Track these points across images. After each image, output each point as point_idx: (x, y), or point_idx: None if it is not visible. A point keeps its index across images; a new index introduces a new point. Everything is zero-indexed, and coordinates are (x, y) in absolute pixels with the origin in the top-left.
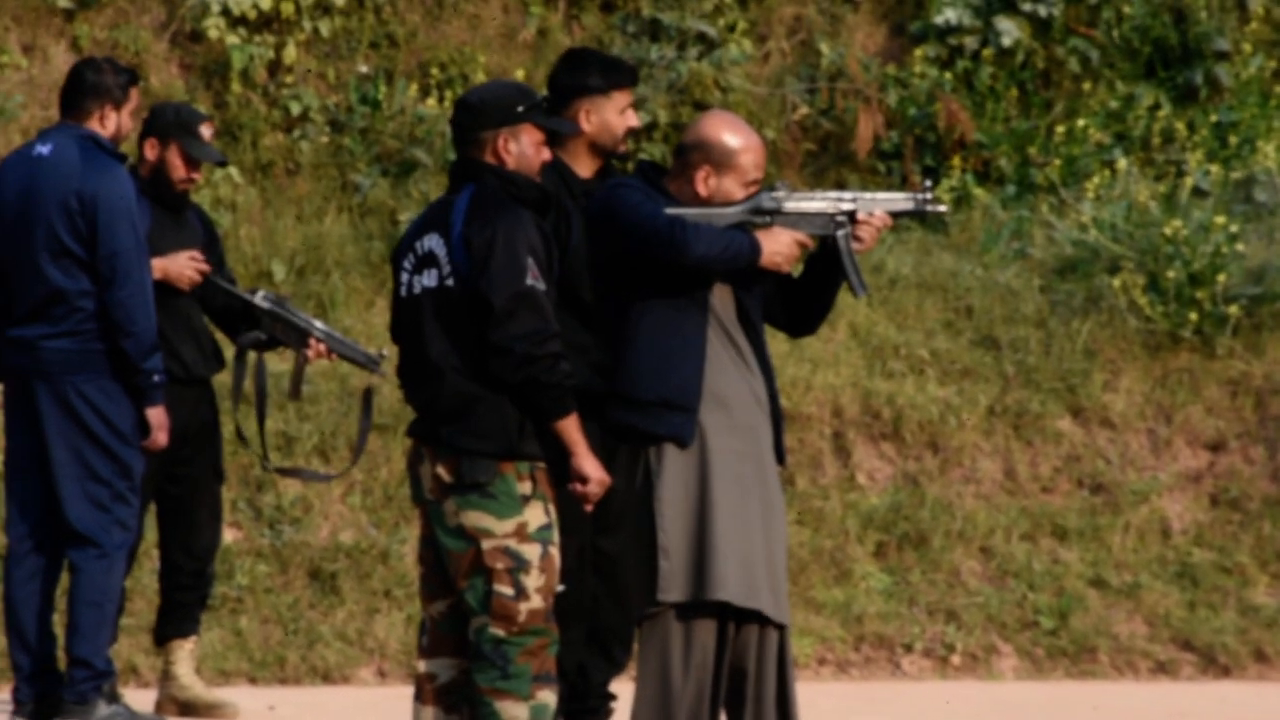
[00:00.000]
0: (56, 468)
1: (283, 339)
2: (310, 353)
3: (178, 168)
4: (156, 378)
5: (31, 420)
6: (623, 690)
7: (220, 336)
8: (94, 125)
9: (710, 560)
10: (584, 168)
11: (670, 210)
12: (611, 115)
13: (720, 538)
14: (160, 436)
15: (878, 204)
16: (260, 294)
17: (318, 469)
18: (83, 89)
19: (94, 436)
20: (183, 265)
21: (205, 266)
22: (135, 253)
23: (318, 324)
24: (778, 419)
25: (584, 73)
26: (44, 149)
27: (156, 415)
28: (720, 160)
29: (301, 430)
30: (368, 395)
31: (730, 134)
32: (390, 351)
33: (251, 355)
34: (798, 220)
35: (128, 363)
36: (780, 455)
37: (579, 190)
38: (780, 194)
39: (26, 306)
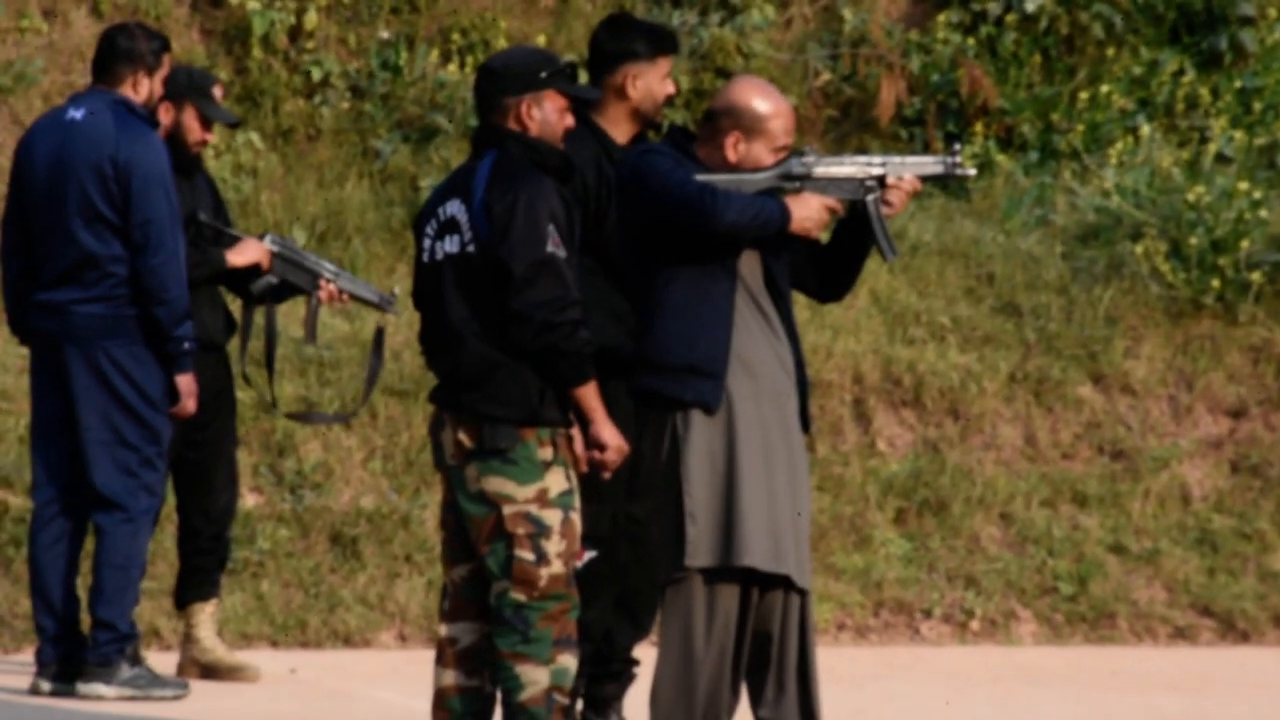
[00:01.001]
0: (85, 432)
1: (294, 281)
2: (322, 294)
3: (194, 130)
4: (187, 345)
5: (60, 384)
6: (644, 656)
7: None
8: (126, 91)
9: (737, 526)
10: (621, 134)
11: (700, 177)
12: (655, 81)
13: (746, 504)
14: (190, 403)
15: (907, 168)
16: (269, 238)
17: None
18: (116, 54)
19: (123, 402)
20: (256, 253)
21: (266, 253)
22: (169, 220)
23: (327, 264)
24: (803, 386)
25: (629, 39)
26: (76, 114)
27: (186, 382)
28: (750, 126)
29: (322, 395)
30: (379, 334)
31: (760, 99)
32: (402, 291)
33: (258, 310)
34: (827, 185)
35: (159, 330)
36: (805, 422)
37: (619, 156)
38: (809, 159)
39: (57, 270)
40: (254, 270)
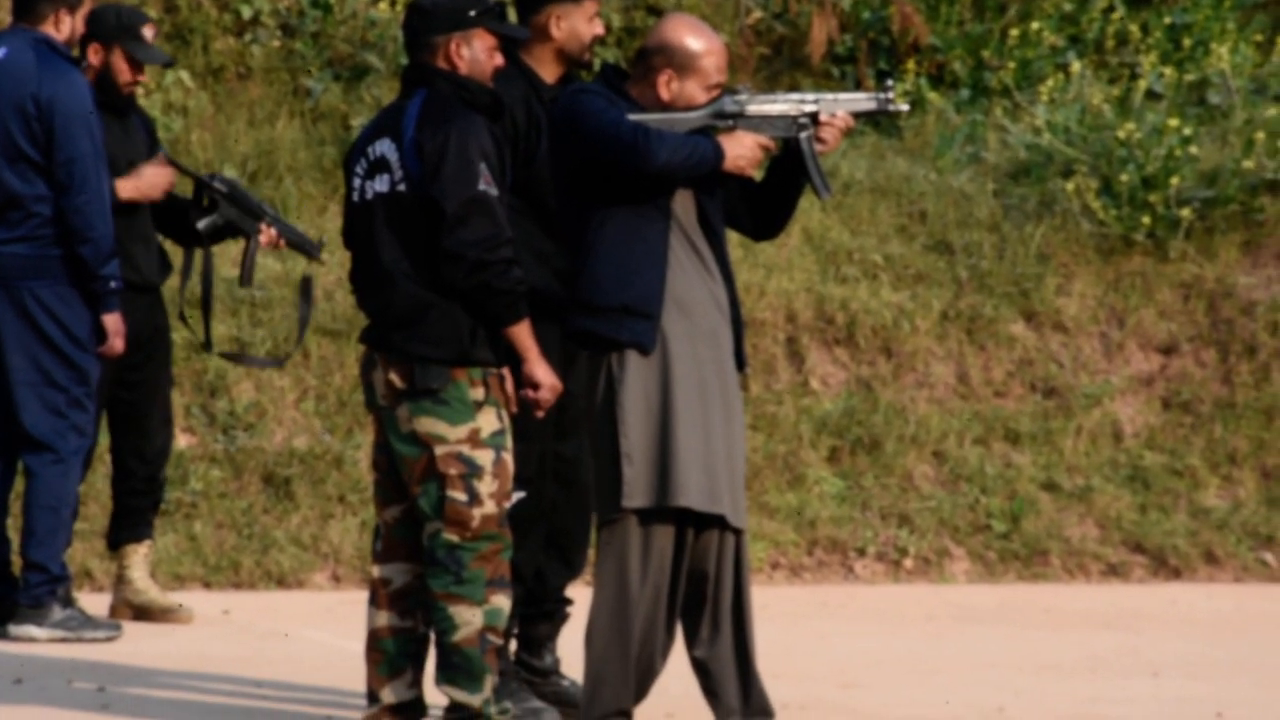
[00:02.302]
0: (12, 373)
1: (237, 223)
2: (263, 238)
3: (123, 71)
4: (114, 284)
5: None
6: (578, 595)
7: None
8: (48, 29)
9: (672, 466)
10: (548, 74)
11: (633, 116)
12: (581, 23)
13: (682, 444)
14: (117, 343)
15: (840, 104)
16: (216, 179)
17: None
18: None
19: (50, 342)
20: (153, 180)
21: (171, 178)
22: (92, 158)
23: (267, 207)
24: (738, 324)
25: None
26: None
27: (113, 321)
28: (682, 64)
29: (255, 335)
30: (306, 282)
31: (692, 37)
32: (331, 233)
33: (197, 250)
34: (760, 123)
35: (85, 269)
36: (741, 361)
37: (547, 95)
38: (743, 97)
39: None
40: (199, 209)
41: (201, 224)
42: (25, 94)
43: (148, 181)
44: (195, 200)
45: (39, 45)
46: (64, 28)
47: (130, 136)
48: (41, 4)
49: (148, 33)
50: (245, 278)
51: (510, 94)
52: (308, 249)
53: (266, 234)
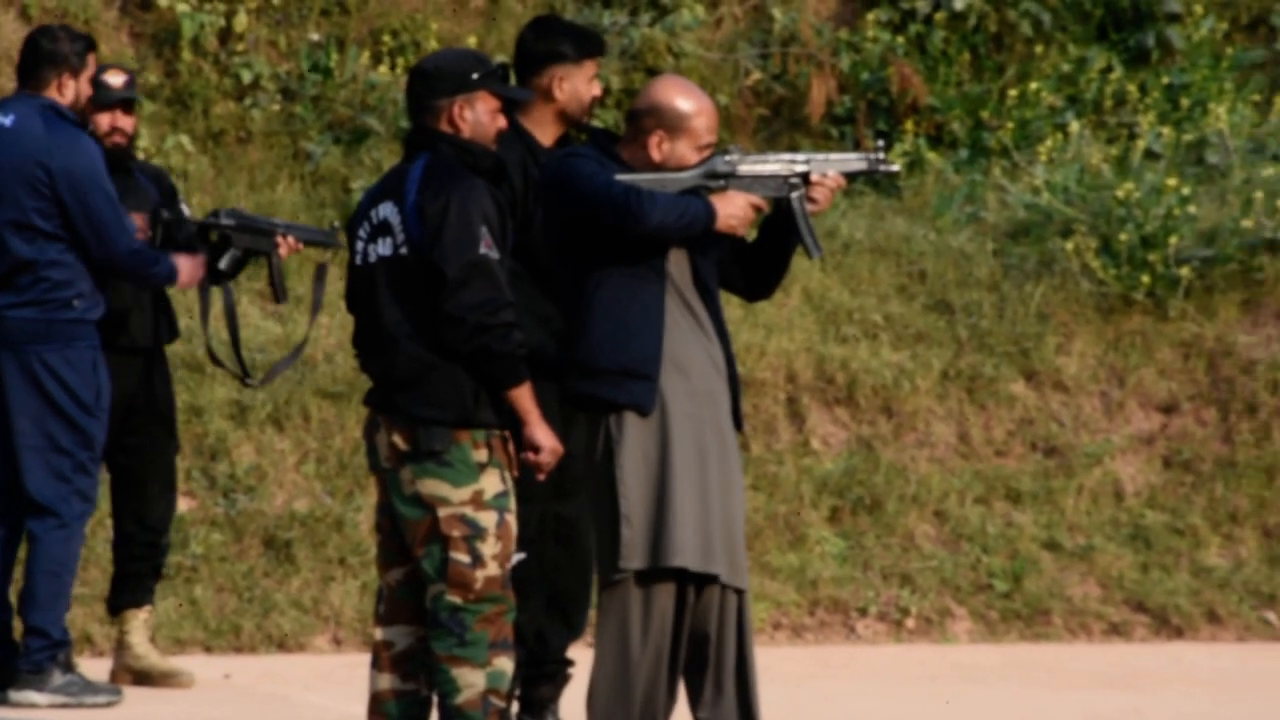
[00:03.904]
0: (18, 438)
1: (254, 248)
2: (282, 250)
3: (97, 123)
4: (167, 274)
5: None
6: (579, 656)
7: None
8: (52, 94)
9: (669, 527)
10: (546, 136)
11: (623, 176)
12: (581, 84)
13: (679, 504)
14: (195, 272)
15: (831, 165)
16: (221, 214)
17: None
18: (39, 58)
19: (56, 407)
20: (193, 273)
21: (198, 272)
22: (112, 212)
23: (276, 221)
24: (735, 385)
25: (556, 40)
26: (5, 120)
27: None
28: (672, 125)
29: (255, 399)
30: (321, 269)
31: (682, 98)
32: (341, 225)
33: (214, 288)
34: (752, 183)
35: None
36: (738, 421)
37: (544, 159)
38: (734, 157)
39: None
40: (211, 247)
41: (223, 263)
42: (34, 160)
43: (188, 274)
44: (203, 240)
45: (45, 111)
46: (68, 92)
47: (132, 196)
48: (44, 69)
49: (111, 78)
50: (279, 295)
51: (508, 157)
52: (324, 241)
53: (285, 244)
